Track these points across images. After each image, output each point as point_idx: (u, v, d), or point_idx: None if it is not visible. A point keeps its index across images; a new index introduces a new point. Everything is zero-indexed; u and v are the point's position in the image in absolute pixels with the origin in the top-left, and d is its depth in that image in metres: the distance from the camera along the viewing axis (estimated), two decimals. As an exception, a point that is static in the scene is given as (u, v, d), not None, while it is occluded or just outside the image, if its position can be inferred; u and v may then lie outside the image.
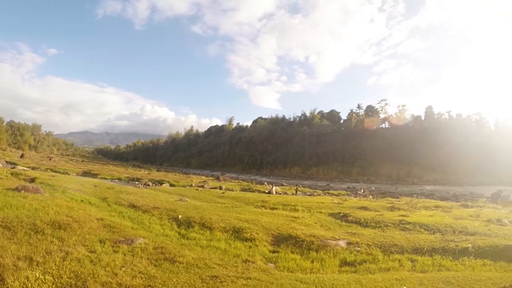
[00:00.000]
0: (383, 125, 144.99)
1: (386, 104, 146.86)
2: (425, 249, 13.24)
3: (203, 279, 7.92)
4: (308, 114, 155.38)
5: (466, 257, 12.47)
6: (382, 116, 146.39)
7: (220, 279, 8.00)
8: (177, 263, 8.87)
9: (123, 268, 8.01)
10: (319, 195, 41.12)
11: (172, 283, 7.52)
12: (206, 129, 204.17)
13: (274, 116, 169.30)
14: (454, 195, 52.82)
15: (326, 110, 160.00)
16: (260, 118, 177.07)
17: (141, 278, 7.60)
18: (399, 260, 11.80)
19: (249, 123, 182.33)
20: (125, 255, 9.18)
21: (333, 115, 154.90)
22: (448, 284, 9.02)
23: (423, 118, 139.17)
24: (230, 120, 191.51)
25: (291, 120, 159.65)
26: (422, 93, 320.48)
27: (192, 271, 8.43)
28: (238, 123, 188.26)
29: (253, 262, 9.98)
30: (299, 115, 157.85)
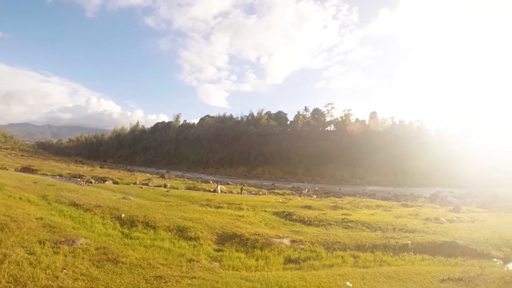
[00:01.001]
0: (329, 128, 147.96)
1: (332, 108, 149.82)
2: (367, 245, 13.71)
3: (147, 280, 7.82)
4: (255, 114, 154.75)
5: (406, 253, 13.16)
6: (328, 119, 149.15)
7: (165, 279, 7.92)
8: (120, 264, 8.70)
9: (64, 270, 7.78)
10: (264, 194, 41.37)
11: (116, 284, 7.38)
12: (152, 125, 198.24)
13: (221, 114, 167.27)
14: (395, 195, 54.72)
15: (273, 111, 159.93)
16: (208, 116, 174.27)
17: (83, 280, 7.40)
18: (342, 257, 12.14)
19: (196, 120, 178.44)
20: (66, 256, 8.88)
21: (280, 116, 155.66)
22: (389, 278, 9.42)
23: (367, 122, 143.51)
24: (177, 117, 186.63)
25: (239, 119, 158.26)
26: (368, 99, 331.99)
27: (136, 272, 8.30)
28: (185, 120, 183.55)
29: (197, 261, 9.93)
30: (247, 114, 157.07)
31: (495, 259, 14.01)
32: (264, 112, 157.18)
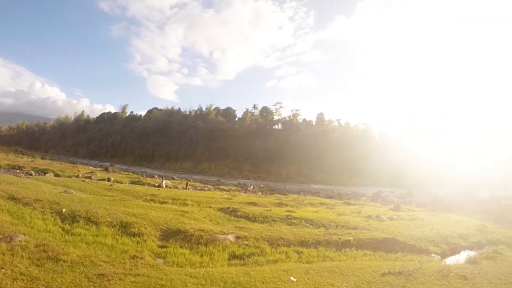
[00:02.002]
0: (277, 127, 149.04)
1: (281, 107, 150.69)
2: (310, 242, 14.05)
3: (89, 278, 7.63)
4: (204, 109, 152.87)
5: (348, 249, 13.68)
6: (276, 118, 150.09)
7: (107, 277, 7.76)
8: (61, 262, 8.42)
9: (2, 270, 7.47)
10: (210, 190, 41.16)
11: (57, 284, 7.15)
12: (98, 115, 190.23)
13: (170, 107, 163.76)
14: (338, 194, 55.91)
15: (222, 107, 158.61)
16: (156, 108, 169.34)
17: (23, 280, 7.14)
18: (286, 253, 12.41)
19: (144, 112, 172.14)
20: (4, 254, 8.52)
21: (229, 113, 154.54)
22: (332, 273, 9.72)
23: (314, 123, 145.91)
24: (124, 108, 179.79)
25: (187, 113, 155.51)
26: (316, 100, 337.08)
27: (78, 270, 8.06)
28: (132, 112, 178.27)
29: (141, 258, 9.77)
30: (196, 109, 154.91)
31: (433, 254, 14.85)
32: (213, 107, 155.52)
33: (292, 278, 8.99)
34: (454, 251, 16.61)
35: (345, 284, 8.99)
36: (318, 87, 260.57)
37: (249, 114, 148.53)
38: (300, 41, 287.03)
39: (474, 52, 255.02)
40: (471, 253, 15.26)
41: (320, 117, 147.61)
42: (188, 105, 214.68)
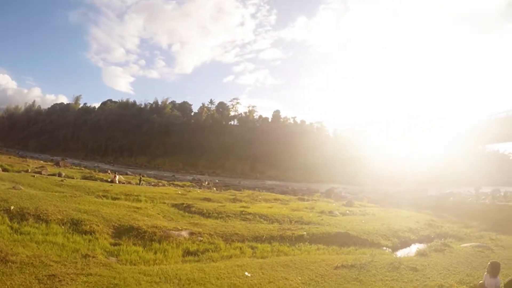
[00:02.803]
0: (232, 122, 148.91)
1: (237, 103, 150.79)
2: (264, 237, 14.14)
3: (39, 280, 7.37)
4: (160, 103, 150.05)
5: (302, 243, 13.90)
6: (232, 113, 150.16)
7: (59, 277, 7.52)
8: (10, 263, 8.05)
9: None
10: (164, 185, 40.63)
11: (6, 287, 6.87)
12: (50, 106, 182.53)
13: (125, 100, 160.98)
14: (292, 190, 56.59)
15: (179, 101, 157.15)
16: (110, 100, 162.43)
17: (-31, 285, 6.81)
18: (241, 248, 12.45)
19: (98, 104, 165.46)
20: None
21: (185, 107, 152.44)
22: (286, 267, 9.85)
23: (270, 120, 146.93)
24: (77, 99, 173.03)
25: (142, 106, 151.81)
26: (273, 98, 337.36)
27: (27, 271, 7.75)
28: (85, 104, 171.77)
29: (93, 257, 9.48)
30: (151, 102, 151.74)
31: (384, 248, 15.28)
32: (169, 101, 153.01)
33: (246, 273, 9.04)
34: (405, 244, 17.20)
35: (299, 278, 9.13)
36: (275, 84, 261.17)
37: (205, 109, 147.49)
38: (260, 39, 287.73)
39: (424, 52, 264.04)
40: (421, 246, 15.79)
41: (276, 114, 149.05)
42: (143, 98, 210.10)
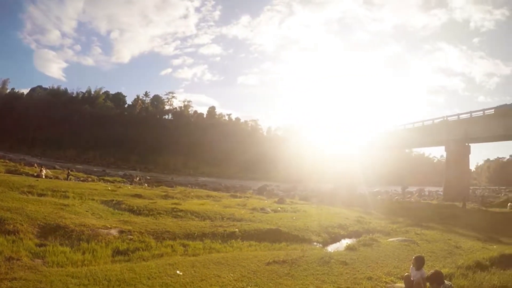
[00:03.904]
0: (167, 117, 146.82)
1: (173, 96, 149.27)
2: (196, 234, 14.05)
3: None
4: (93, 92, 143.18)
5: (234, 240, 13.93)
6: (167, 107, 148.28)
7: (-21, 284, 7.05)
8: None
9: None
10: (93, 181, 39.38)
11: None
12: None
13: (56, 87, 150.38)
14: (225, 186, 57.17)
15: (113, 91, 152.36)
16: (40, 87, 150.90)
17: None
18: (172, 246, 12.23)
19: (27, 90, 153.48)
20: None
21: (118, 98, 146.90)
22: (219, 264, 9.86)
23: (205, 116, 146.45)
24: (5, 83, 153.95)
25: (74, 95, 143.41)
26: (210, 94, 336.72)
27: None
28: (13, 89, 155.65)
29: (18, 259, 8.88)
30: (84, 91, 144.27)
31: (315, 243, 15.66)
32: (103, 91, 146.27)
33: (178, 271, 8.92)
34: (335, 239, 17.74)
35: (232, 274, 9.14)
36: (213, 81, 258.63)
37: (139, 101, 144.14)
38: (202, 33, 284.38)
39: (359, 62, 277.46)
40: (350, 241, 16.39)
41: (212, 110, 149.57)
42: (76, 87, 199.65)
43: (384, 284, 9.53)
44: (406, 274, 8.80)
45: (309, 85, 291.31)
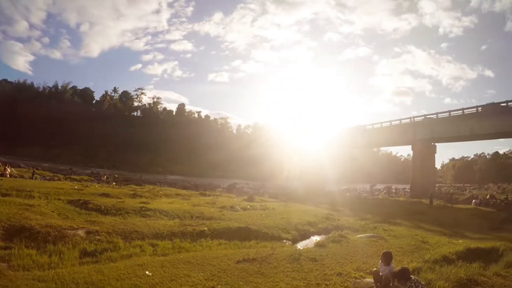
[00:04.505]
0: (136, 113, 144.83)
1: (142, 93, 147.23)
2: (165, 233, 14.00)
3: None
4: (60, 87, 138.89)
5: (203, 239, 13.97)
6: (136, 104, 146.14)
7: None
8: None
9: None
10: (60, 180, 38.61)
11: None
12: None
13: (22, 81, 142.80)
14: (195, 185, 56.90)
15: (81, 86, 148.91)
16: (5, 80, 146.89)
17: None
18: (141, 246, 12.12)
19: None
20: None
21: (86, 94, 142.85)
22: (188, 264, 9.82)
23: (174, 113, 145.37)
24: None
25: (40, 90, 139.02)
26: (179, 91, 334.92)
27: None
28: None
29: (-19, 264, 8.68)
30: (50, 86, 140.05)
31: (284, 241, 15.83)
32: (70, 86, 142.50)
33: (147, 272, 8.85)
34: (304, 236, 18.02)
35: (202, 274, 9.13)
36: (183, 77, 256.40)
37: (108, 97, 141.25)
38: (173, 29, 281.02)
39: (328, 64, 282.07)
40: (320, 238, 16.63)
41: (181, 107, 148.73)
42: (42, 81, 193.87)
43: (353, 279, 9.68)
44: (375, 269, 8.98)
45: (279, 84, 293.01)
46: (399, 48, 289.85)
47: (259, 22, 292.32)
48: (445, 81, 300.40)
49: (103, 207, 18.30)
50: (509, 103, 43.62)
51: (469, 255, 12.49)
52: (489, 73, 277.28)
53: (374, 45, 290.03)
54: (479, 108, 47.50)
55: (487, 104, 45.41)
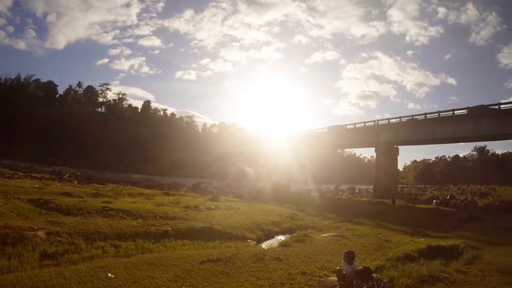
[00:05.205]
0: (100, 109, 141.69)
1: (107, 88, 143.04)
2: (128, 234, 13.87)
3: None
4: (22, 79, 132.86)
5: (167, 239, 13.89)
6: (101, 100, 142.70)
7: None
8: None
9: None
10: (20, 178, 37.60)
11: None
12: None
13: None
14: (159, 184, 56.45)
15: (44, 79, 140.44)
16: None
17: None
18: (103, 247, 11.94)
19: None
20: None
21: (50, 87, 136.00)
22: (152, 265, 9.73)
23: (140, 110, 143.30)
24: None
25: (1, 81, 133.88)
26: (146, 87, 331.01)
27: None
28: None
29: None
30: (12, 78, 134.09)
31: (249, 240, 15.93)
32: (34, 78, 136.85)
33: (110, 274, 8.70)
34: (269, 236, 18.22)
35: (165, 275, 9.05)
36: (150, 74, 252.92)
37: (72, 92, 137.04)
38: (143, 24, 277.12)
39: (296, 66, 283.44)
40: (284, 238, 16.85)
41: (146, 104, 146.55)
42: (4, 72, 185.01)
43: (317, 278, 9.81)
44: (338, 268, 9.14)
45: (247, 84, 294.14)
46: (366, 54, 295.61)
47: (229, 21, 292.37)
48: (410, 87, 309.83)
49: (64, 206, 17.96)
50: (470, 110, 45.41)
51: (431, 253, 12.86)
52: (451, 80, 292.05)
53: (342, 49, 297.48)
54: (441, 113, 49.21)
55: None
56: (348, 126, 62.82)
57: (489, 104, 44.25)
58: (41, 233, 12.39)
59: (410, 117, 53.39)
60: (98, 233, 13.41)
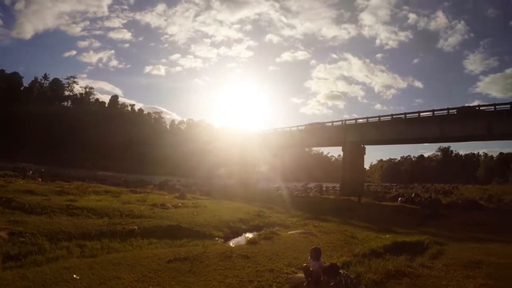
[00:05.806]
0: (66, 103, 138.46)
1: (74, 81, 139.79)
2: (93, 233, 13.66)
3: None
4: None
5: (133, 238, 13.75)
6: (67, 93, 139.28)
7: None
8: None
9: None
10: (-20, 175, 36.61)
11: None
12: None
13: None
14: (125, 181, 56.02)
15: (9, 70, 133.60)
16: None
17: None
18: (68, 247, 11.67)
19: None
20: None
21: (14, 79, 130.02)
22: (118, 265, 9.61)
23: (107, 105, 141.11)
24: None
25: None
26: (114, 82, 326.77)
27: None
28: None
29: None
30: None
31: (216, 238, 16.01)
32: None
33: (75, 276, 8.54)
34: (236, 234, 18.29)
35: (132, 275, 8.97)
36: (118, 68, 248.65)
37: (37, 84, 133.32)
38: (114, 16, 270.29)
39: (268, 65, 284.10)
40: (251, 235, 16.99)
41: (114, 99, 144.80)
42: None
43: (285, 275, 9.87)
44: (305, 264, 9.22)
45: (217, 81, 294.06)
46: (336, 55, 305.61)
47: (202, 17, 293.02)
48: (377, 89, 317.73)
49: (27, 205, 17.56)
50: (435, 113, 47.46)
51: (396, 249, 13.28)
52: (418, 84, 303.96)
53: (312, 50, 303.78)
54: (407, 115, 51.41)
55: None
56: (316, 125, 64.17)
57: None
58: (3, 234, 12.07)
59: (377, 118, 54.81)
60: (63, 233, 13.14)
